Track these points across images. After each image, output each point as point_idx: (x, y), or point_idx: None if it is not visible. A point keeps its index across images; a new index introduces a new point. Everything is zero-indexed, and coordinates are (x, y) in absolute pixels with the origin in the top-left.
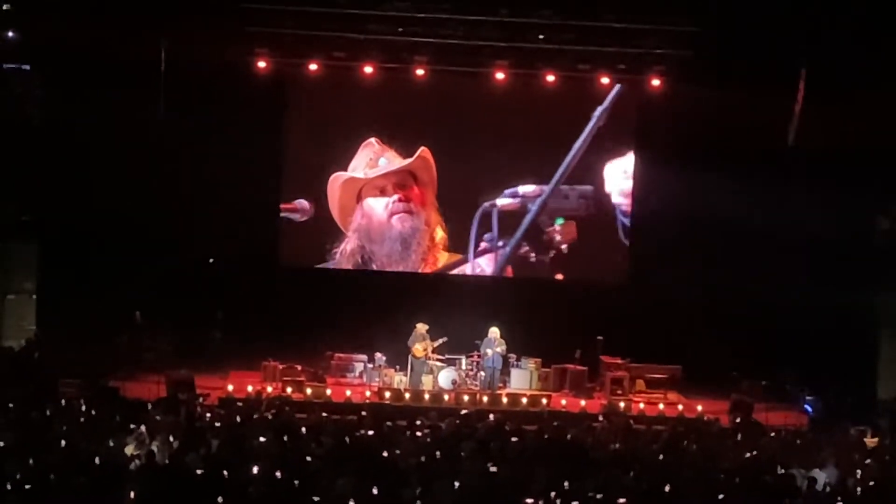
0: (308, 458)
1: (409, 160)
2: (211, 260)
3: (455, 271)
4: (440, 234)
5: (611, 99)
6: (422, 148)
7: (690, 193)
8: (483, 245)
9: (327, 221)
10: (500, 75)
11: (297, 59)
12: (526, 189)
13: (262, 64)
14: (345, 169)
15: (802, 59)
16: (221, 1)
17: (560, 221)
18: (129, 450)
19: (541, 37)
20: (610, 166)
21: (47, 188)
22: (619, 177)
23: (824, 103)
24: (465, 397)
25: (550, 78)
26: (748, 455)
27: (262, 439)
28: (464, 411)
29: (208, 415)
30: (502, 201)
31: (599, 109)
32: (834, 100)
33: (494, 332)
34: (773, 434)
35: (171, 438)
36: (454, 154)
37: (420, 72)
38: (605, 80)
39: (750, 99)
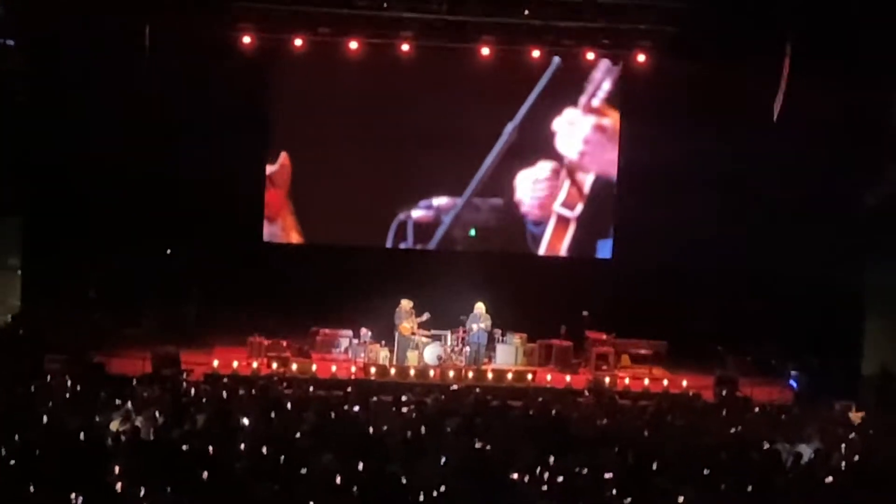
0: (294, 434)
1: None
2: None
3: None
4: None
5: (521, 117)
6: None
7: (676, 168)
8: None
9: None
10: (485, 51)
11: (281, 35)
12: (440, 201)
13: (246, 40)
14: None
15: (788, 34)
16: None
17: (473, 233)
18: (115, 426)
19: (526, 12)
20: (521, 175)
21: (32, 163)
22: (529, 186)
23: (810, 78)
24: (451, 373)
25: (536, 53)
26: (733, 430)
27: (247, 416)
28: (454, 387)
29: (193, 390)
30: (416, 213)
31: (510, 126)
32: (820, 75)
33: (480, 307)
34: (757, 409)
35: (157, 414)
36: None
37: (405, 47)
38: (590, 56)
39: (735, 74)
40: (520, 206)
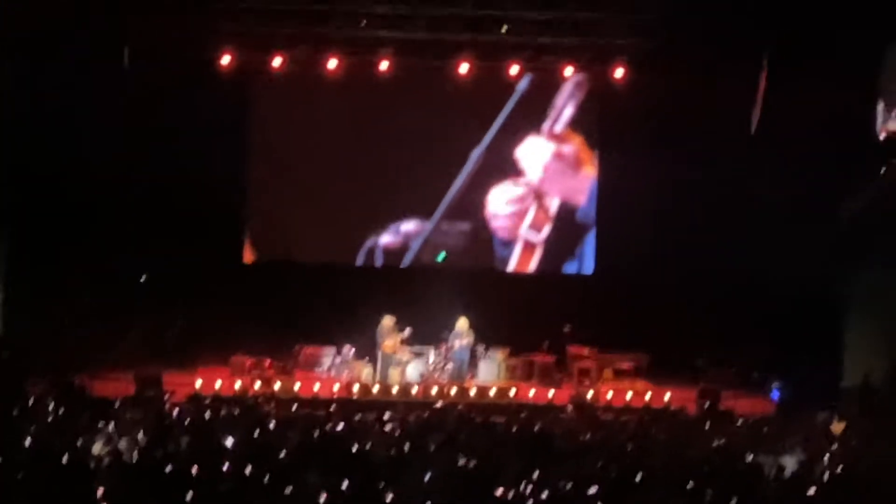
0: (278, 453)
1: None
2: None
3: None
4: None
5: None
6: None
7: (655, 181)
8: None
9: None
10: (463, 68)
11: (260, 55)
12: (407, 226)
13: (225, 59)
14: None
15: (765, 46)
16: None
17: (441, 257)
18: (98, 448)
19: (504, 29)
20: (492, 194)
21: (11, 183)
22: (499, 205)
23: (788, 89)
24: (434, 389)
25: (514, 69)
26: (716, 443)
27: (231, 435)
28: (438, 403)
29: (176, 411)
30: (385, 238)
31: (477, 151)
32: (798, 86)
33: (462, 323)
34: (740, 422)
35: (140, 436)
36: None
37: (384, 65)
38: (568, 71)
39: (713, 87)
40: (489, 224)
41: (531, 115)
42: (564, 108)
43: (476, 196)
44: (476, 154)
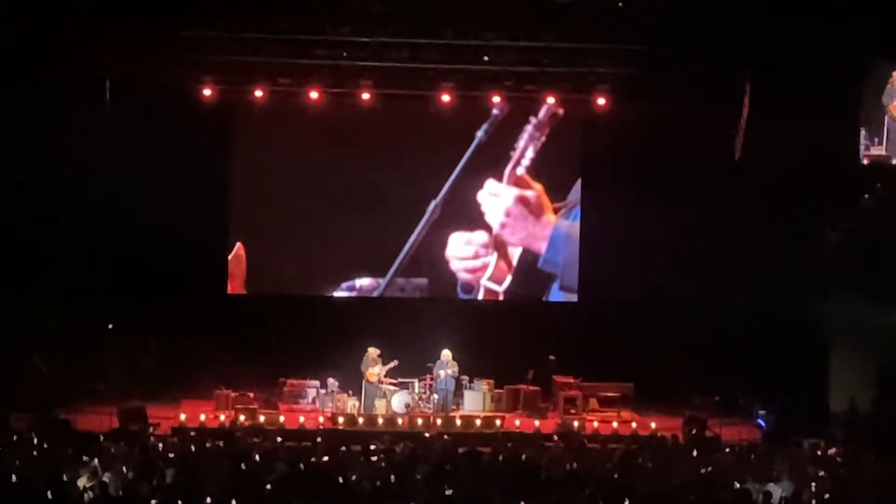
0: (264, 485)
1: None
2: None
3: None
4: None
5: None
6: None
7: (638, 209)
8: None
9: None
10: (445, 98)
11: (242, 87)
12: (362, 282)
13: (207, 92)
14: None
15: (747, 74)
16: (165, 29)
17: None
18: (83, 482)
19: (485, 58)
20: (452, 239)
21: None
22: (459, 250)
23: (770, 117)
24: (419, 420)
25: (496, 99)
26: (703, 471)
27: (216, 469)
28: (426, 434)
29: (161, 445)
30: (339, 294)
31: (433, 203)
32: (780, 113)
33: (446, 354)
34: (727, 449)
35: (125, 469)
36: None
37: (366, 96)
38: (550, 100)
39: (695, 115)
40: (448, 267)
41: (490, 160)
42: (526, 151)
43: (436, 247)
44: (432, 206)
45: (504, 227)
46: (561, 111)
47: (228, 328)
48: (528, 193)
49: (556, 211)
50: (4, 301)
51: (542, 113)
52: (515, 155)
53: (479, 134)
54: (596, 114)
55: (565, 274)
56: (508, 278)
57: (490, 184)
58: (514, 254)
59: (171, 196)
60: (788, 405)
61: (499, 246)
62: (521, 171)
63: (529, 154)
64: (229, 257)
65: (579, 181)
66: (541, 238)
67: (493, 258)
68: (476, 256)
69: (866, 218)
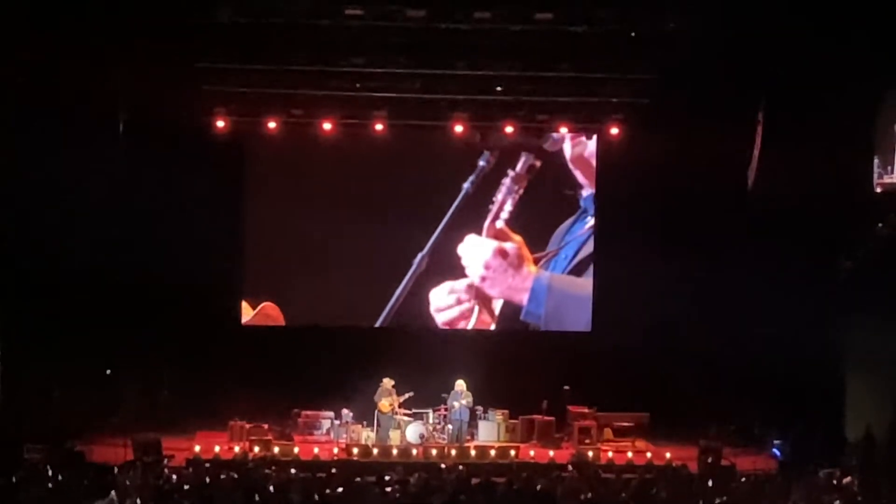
0: None
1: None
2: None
3: None
4: None
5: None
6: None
7: (651, 237)
8: None
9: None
10: (458, 128)
11: (255, 118)
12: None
13: (220, 123)
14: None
15: (760, 102)
16: (179, 60)
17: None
18: None
19: (498, 88)
20: (434, 293)
21: (5, 253)
22: (443, 295)
23: (783, 145)
24: (434, 451)
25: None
26: (718, 501)
27: (230, 500)
28: (442, 465)
29: (175, 476)
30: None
31: (420, 255)
32: (793, 141)
33: (461, 384)
34: (743, 479)
35: (139, 501)
36: None
37: (379, 126)
38: (563, 130)
39: (708, 143)
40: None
41: (471, 214)
42: (505, 203)
43: (419, 299)
44: (419, 258)
45: (484, 280)
46: (538, 163)
47: (242, 359)
48: (508, 246)
49: (536, 262)
50: (20, 333)
51: (519, 166)
52: (494, 208)
53: (466, 186)
54: (609, 143)
55: (549, 325)
56: (492, 327)
57: (470, 238)
58: (497, 305)
59: (185, 227)
60: (804, 434)
61: (480, 297)
62: (500, 224)
63: (508, 207)
64: (257, 311)
65: (560, 227)
66: (521, 290)
67: (475, 309)
68: (458, 303)
69: (880, 246)
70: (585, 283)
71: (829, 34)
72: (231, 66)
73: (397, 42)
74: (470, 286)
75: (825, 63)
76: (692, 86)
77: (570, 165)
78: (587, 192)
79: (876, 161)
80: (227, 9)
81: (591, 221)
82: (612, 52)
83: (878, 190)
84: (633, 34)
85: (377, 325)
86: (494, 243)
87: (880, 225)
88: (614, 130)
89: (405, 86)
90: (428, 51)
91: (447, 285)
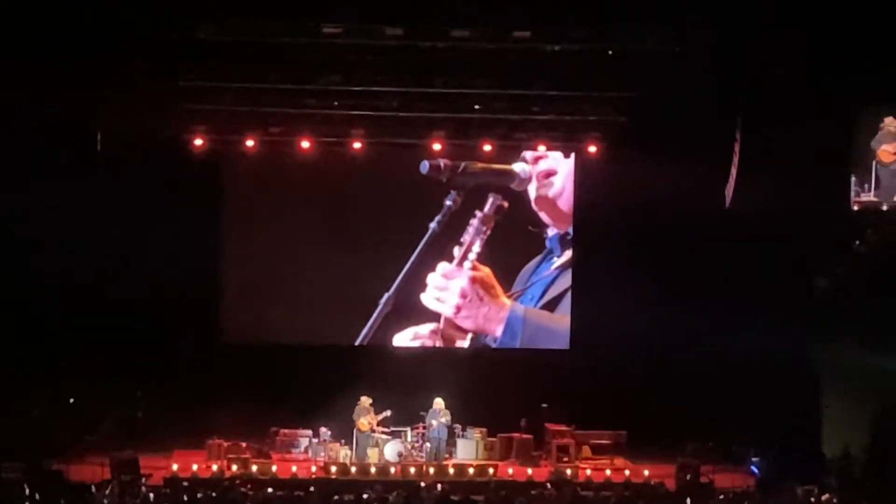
0: None
1: None
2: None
3: None
4: None
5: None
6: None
7: (629, 255)
8: None
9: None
10: (436, 146)
11: (233, 136)
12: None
13: (198, 142)
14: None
15: (737, 120)
16: (156, 79)
17: None
18: None
19: (476, 107)
20: (399, 335)
21: None
22: (406, 341)
23: (761, 163)
24: (412, 469)
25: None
26: None
27: None
28: (422, 483)
29: (153, 495)
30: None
31: (386, 295)
32: (770, 159)
33: (439, 402)
34: (721, 496)
35: None
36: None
37: (357, 145)
38: (541, 148)
39: (686, 162)
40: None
41: (443, 250)
42: (472, 246)
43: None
44: (385, 298)
45: (458, 311)
46: (506, 204)
47: (220, 378)
48: (483, 274)
49: (509, 296)
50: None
51: (487, 206)
52: (462, 249)
53: (433, 225)
54: (587, 161)
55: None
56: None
57: (443, 266)
58: (464, 344)
59: (162, 245)
60: (782, 451)
61: (446, 338)
62: (468, 264)
63: (476, 248)
64: None
65: (525, 267)
66: (496, 321)
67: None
68: (423, 349)
69: (858, 264)
70: (562, 318)
71: (805, 51)
72: (209, 85)
73: (375, 60)
74: (434, 331)
75: (802, 80)
76: (670, 104)
77: (535, 206)
78: (552, 231)
79: (853, 179)
80: (206, 27)
81: (556, 262)
82: (590, 71)
83: (856, 208)
84: (610, 52)
85: (357, 343)
86: (470, 272)
87: (857, 243)
88: (592, 148)
89: (383, 104)
90: (406, 69)
91: (411, 331)
